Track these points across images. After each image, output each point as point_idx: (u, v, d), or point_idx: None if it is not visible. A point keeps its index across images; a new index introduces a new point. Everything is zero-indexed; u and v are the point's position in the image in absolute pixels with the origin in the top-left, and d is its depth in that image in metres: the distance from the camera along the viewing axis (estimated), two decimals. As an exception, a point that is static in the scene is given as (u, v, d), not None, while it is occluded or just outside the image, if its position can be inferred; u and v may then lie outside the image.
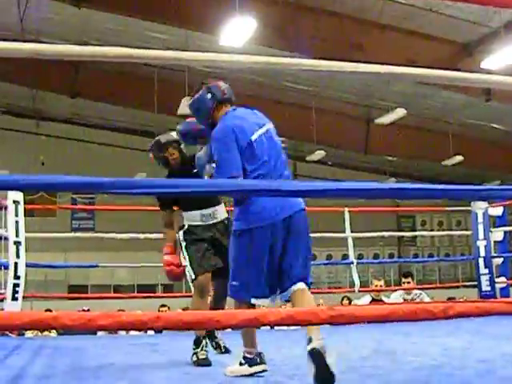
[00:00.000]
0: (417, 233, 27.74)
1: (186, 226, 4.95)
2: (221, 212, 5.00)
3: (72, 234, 20.55)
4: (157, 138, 5.18)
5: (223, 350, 5.11)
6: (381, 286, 9.19)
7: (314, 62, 2.74)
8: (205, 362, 4.48)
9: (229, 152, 3.78)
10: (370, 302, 9.00)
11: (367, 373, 3.82)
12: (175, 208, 5.15)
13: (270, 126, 4.00)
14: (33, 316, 1.64)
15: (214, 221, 4.93)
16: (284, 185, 2.19)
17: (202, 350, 4.54)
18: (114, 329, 1.60)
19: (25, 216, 6.72)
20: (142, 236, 8.65)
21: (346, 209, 7.93)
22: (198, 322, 1.68)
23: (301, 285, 3.74)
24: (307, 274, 3.85)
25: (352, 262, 8.03)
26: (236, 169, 3.73)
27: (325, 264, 24.79)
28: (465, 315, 1.94)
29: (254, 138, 3.86)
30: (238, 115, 3.97)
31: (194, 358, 4.53)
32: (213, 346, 5.08)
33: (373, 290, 9.06)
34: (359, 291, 8.24)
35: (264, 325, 1.74)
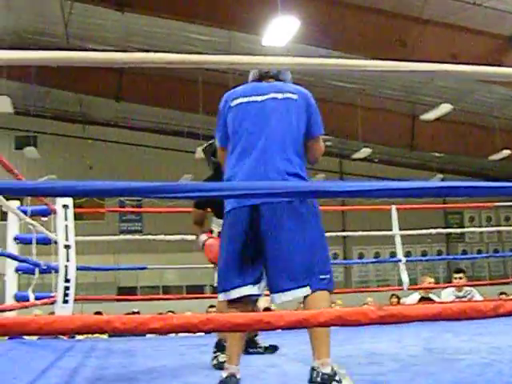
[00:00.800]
0: (465, 229, 27.40)
1: (216, 232, 4.93)
2: None
3: (121, 237, 20.70)
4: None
5: (270, 350, 5.06)
6: (430, 282, 9.13)
7: (359, 62, 2.74)
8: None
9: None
10: (419, 300, 8.94)
11: (418, 371, 3.80)
12: (208, 210, 5.13)
13: (279, 95, 3.57)
14: (85, 320, 1.66)
15: None
16: (332, 186, 2.17)
17: (222, 353, 4.28)
18: (165, 332, 1.62)
19: (74, 220, 6.80)
20: (189, 237, 8.67)
21: (394, 206, 7.88)
22: (247, 323, 1.70)
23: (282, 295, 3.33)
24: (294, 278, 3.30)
25: (400, 260, 7.99)
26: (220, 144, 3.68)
27: (372, 262, 24.74)
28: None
29: (233, 102, 3.61)
30: None
31: (215, 362, 4.40)
32: (259, 351, 5.04)
33: (421, 288, 9.00)
34: (408, 289, 8.18)
35: (314, 326, 1.74)
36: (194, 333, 9.65)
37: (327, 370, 3.14)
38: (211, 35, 17.59)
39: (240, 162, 3.43)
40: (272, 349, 5.05)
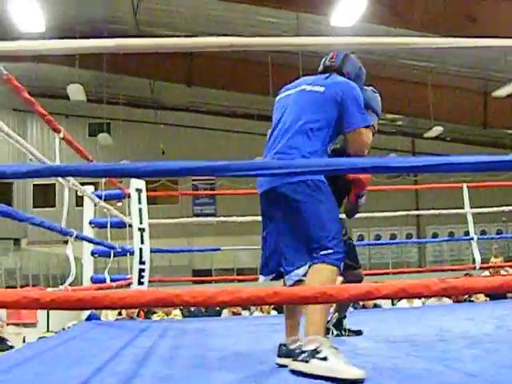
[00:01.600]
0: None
1: None
2: None
3: (195, 219, 20.92)
4: None
5: (354, 332, 4.98)
6: (496, 262, 9.02)
7: (428, 40, 2.75)
8: None
9: None
10: (488, 277, 8.83)
11: (487, 348, 3.80)
12: None
13: (308, 87, 3.59)
14: (157, 294, 1.74)
15: None
16: (392, 161, 2.20)
17: None
18: (234, 305, 1.69)
19: (148, 204, 6.94)
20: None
21: (465, 184, 7.80)
22: (313, 296, 1.74)
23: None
24: (289, 264, 3.36)
25: (472, 238, 7.91)
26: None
27: (444, 241, 24.43)
28: None
29: (277, 97, 3.77)
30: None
31: None
32: (343, 333, 4.97)
33: (493, 266, 8.89)
34: (480, 268, 8.09)
35: (377, 298, 1.78)
36: (268, 312, 9.77)
37: (309, 348, 3.08)
38: (279, 17, 17.60)
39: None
40: (356, 333, 4.97)
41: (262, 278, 3.64)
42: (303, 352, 3.08)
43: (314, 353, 3.04)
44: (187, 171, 2.12)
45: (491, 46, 2.79)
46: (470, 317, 5.88)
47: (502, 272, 9.15)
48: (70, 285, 4.84)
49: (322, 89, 3.52)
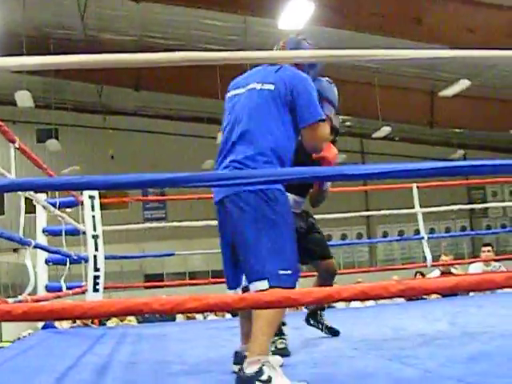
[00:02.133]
0: (488, 204, 27.13)
1: None
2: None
3: (146, 225, 20.85)
4: None
5: (330, 331, 4.75)
6: (446, 260, 9.20)
7: (371, 52, 2.77)
8: (284, 352, 3.94)
9: None
10: (440, 276, 8.99)
11: (441, 345, 3.90)
12: None
13: (258, 85, 3.35)
14: (126, 303, 1.78)
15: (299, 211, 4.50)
16: (347, 169, 2.25)
17: (280, 338, 4.06)
18: (201, 311, 1.73)
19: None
20: (213, 222, 8.73)
21: (415, 185, 7.92)
22: (277, 301, 1.80)
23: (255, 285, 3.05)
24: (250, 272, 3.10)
25: (423, 238, 8.04)
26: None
27: (397, 240, 24.71)
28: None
29: (227, 95, 3.51)
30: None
31: (272, 348, 3.89)
32: (320, 327, 4.75)
33: (444, 264, 9.04)
34: (432, 266, 8.22)
35: (338, 300, 1.83)
36: (223, 316, 9.78)
37: (251, 370, 2.91)
38: (226, 21, 17.64)
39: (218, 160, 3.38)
40: (333, 332, 4.73)
41: (229, 291, 3.37)
42: (246, 376, 2.91)
43: (257, 375, 2.87)
44: (142, 184, 2.15)
45: (437, 57, 2.86)
46: (423, 314, 6.00)
47: (453, 270, 9.32)
48: (17, 293, 4.81)
49: (271, 87, 3.29)
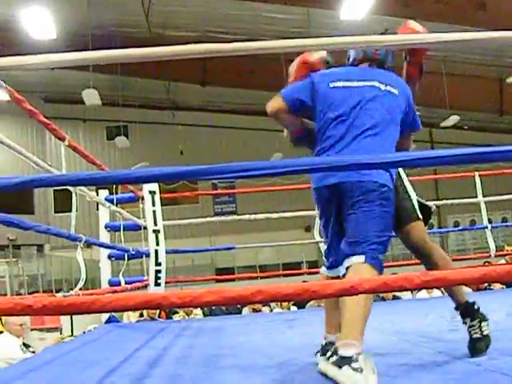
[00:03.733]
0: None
1: None
2: None
3: (215, 218, 21.00)
4: None
5: None
6: (510, 250, 9.03)
7: (441, 35, 2.75)
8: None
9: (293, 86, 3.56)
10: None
11: (494, 337, 3.83)
12: None
13: (381, 86, 3.31)
14: (145, 297, 1.79)
15: None
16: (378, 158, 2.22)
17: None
18: (219, 304, 1.73)
19: (169, 205, 6.99)
20: (286, 214, 8.70)
21: (477, 173, 7.79)
22: (296, 293, 1.78)
23: (348, 261, 3.08)
24: (356, 250, 3.07)
25: (486, 227, 7.92)
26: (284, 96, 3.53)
27: (459, 230, 24.33)
28: None
29: (331, 85, 3.35)
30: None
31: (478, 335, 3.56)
32: None
33: (507, 254, 8.88)
34: (495, 256, 8.08)
35: (360, 293, 1.80)
36: (288, 308, 9.78)
37: (345, 352, 2.76)
38: (289, 13, 17.60)
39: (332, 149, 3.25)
40: None
41: (323, 269, 3.44)
42: (338, 355, 2.78)
43: (349, 360, 2.72)
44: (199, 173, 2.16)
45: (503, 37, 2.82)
46: (482, 305, 5.88)
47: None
48: (89, 288, 4.91)
49: (395, 91, 3.33)
